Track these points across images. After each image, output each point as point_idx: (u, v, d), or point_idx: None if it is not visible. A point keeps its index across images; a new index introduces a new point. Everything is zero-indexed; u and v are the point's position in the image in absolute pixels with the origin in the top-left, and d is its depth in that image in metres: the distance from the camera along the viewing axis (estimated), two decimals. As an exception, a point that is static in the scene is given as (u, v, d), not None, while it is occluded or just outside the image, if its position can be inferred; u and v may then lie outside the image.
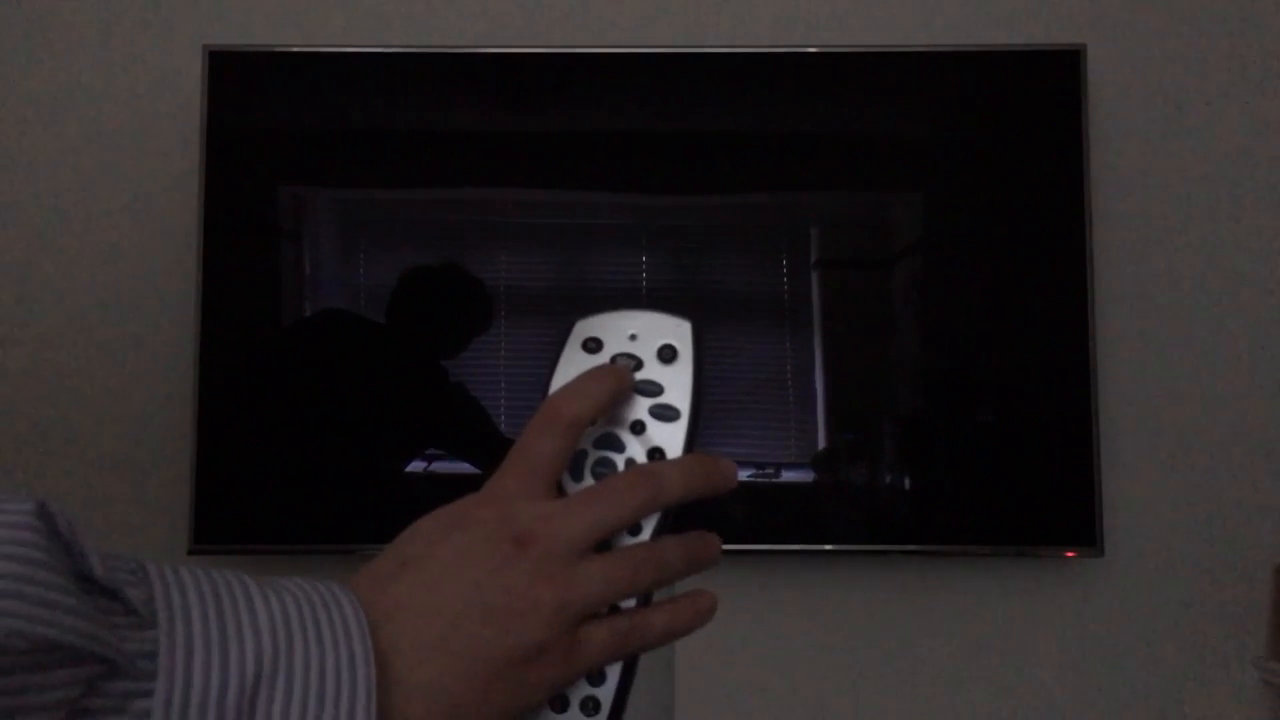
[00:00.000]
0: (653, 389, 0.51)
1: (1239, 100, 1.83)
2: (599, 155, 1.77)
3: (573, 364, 0.53)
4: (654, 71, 1.76)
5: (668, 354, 0.51)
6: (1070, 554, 1.70)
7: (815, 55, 1.76)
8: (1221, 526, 1.78)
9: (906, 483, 1.73)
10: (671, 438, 0.50)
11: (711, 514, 1.72)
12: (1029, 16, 1.84)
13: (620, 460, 0.51)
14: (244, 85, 1.74)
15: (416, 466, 1.72)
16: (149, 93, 1.84)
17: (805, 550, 1.72)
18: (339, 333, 1.75)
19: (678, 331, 0.52)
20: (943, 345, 1.75)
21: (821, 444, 1.73)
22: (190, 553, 1.67)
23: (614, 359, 0.53)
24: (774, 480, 1.72)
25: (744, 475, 1.71)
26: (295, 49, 1.76)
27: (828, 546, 1.70)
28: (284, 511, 1.70)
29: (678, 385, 0.51)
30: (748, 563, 1.78)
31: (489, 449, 1.71)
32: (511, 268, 1.76)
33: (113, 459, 1.79)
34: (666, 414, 0.51)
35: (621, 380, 0.51)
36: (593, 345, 0.53)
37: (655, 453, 0.51)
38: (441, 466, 1.72)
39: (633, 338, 0.52)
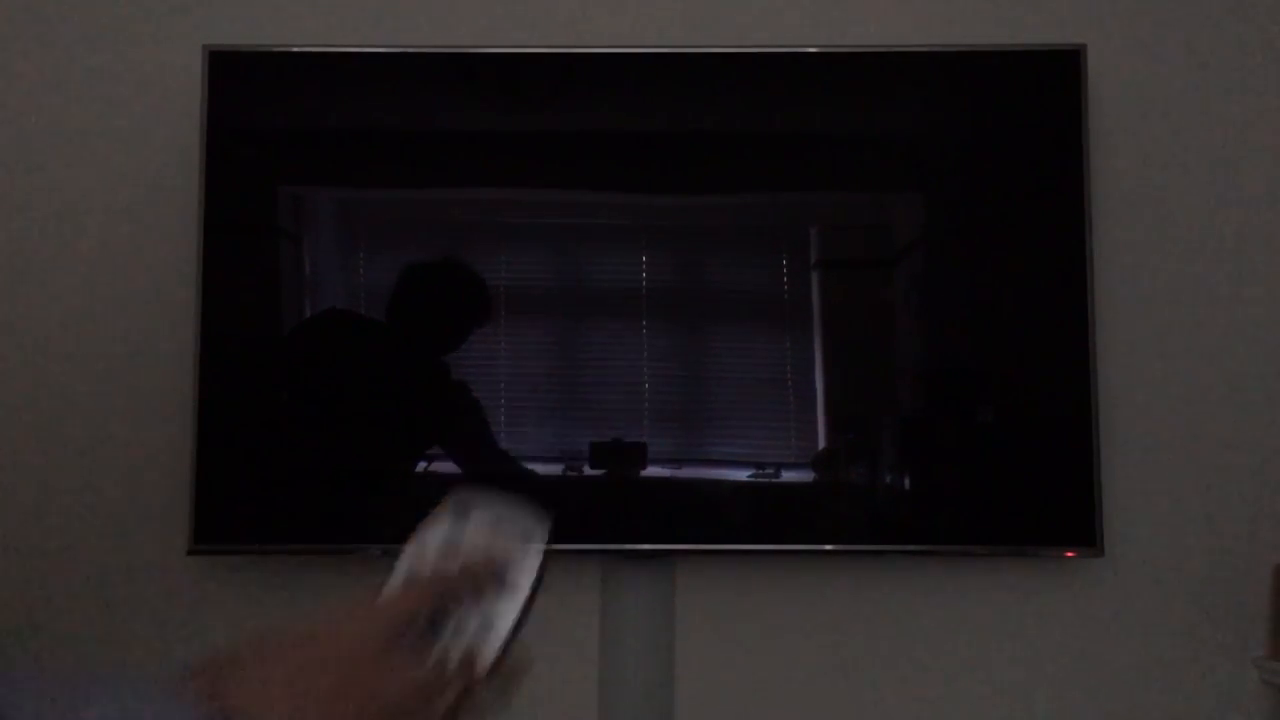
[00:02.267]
0: (488, 597, 0.61)
1: (1239, 100, 1.83)
2: (599, 155, 1.77)
3: (437, 535, 0.64)
4: (654, 71, 1.75)
5: (506, 580, 0.62)
6: (1070, 554, 1.70)
7: (815, 55, 1.75)
8: (1221, 526, 1.78)
9: (906, 483, 1.73)
10: (490, 644, 0.61)
11: (713, 514, 1.72)
12: (1029, 16, 1.84)
13: (449, 646, 0.60)
14: (244, 85, 1.74)
15: (417, 466, 1.72)
16: (149, 93, 1.84)
17: (805, 550, 1.72)
18: (340, 332, 1.75)
19: (524, 562, 0.62)
20: (943, 345, 1.75)
21: (821, 444, 1.73)
22: (190, 552, 1.68)
23: (462, 565, 0.63)
24: (774, 480, 1.71)
25: (744, 475, 1.72)
26: (295, 49, 1.76)
27: (828, 546, 1.70)
28: (284, 511, 1.70)
29: (510, 606, 0.62)
30: (748, 563, 1.78)
31: (481, 452, 1.71)
32: (511, 268, 1.76)
33: (113, 459, 1.79)
34: (493, 623, 0.61)
35: (449, 591, 0.60)
36: (455, 531, 0.64)
37: (474, 650, 0.60)
38: (442, 466, 1.72)
39: (473, 552, 0.62)
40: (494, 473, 1.71)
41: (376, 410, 1.73)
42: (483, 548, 0.62)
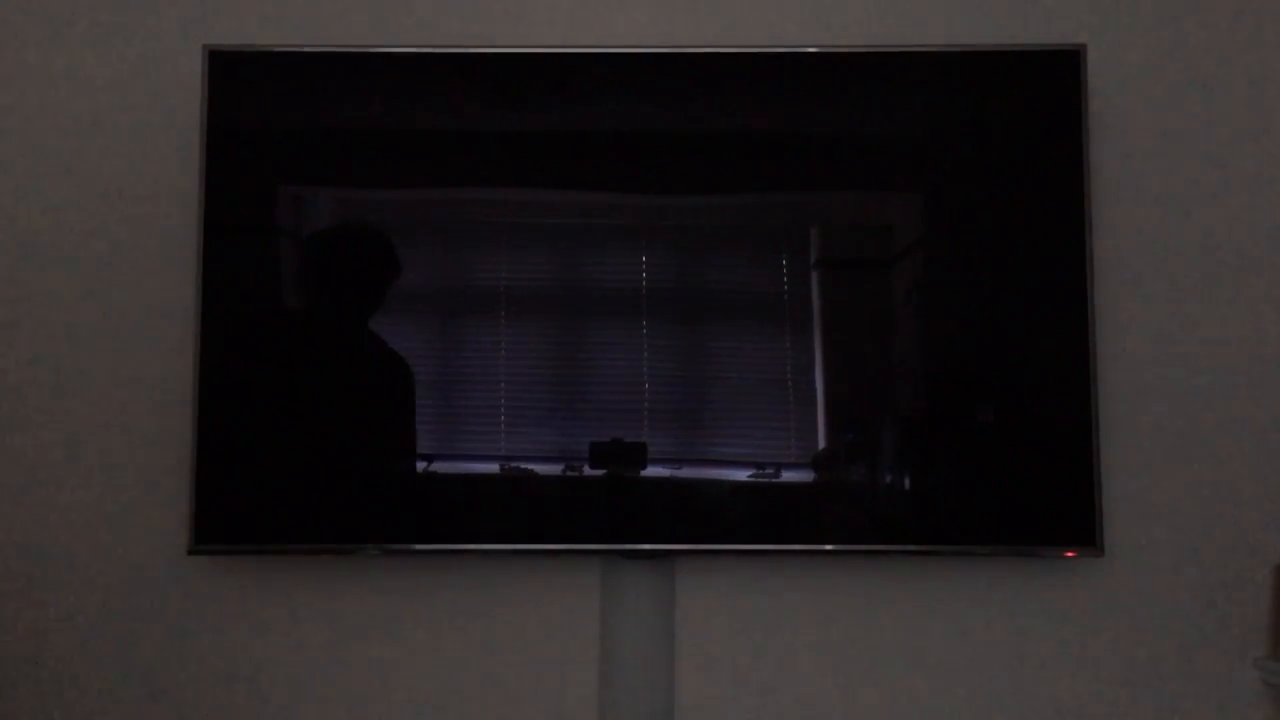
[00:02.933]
0: None
1: (1238, 100, 1.83)
2: (599, 155, 1.77)
3: None
4: (654, 71, 1.76)
5: None
6: (1070, 554, 1.70)
7: (815, 55, 1.76)
8: (1221, 526, 1.78)
9: (906, 483, 1.73)
10: None
11: (713, 514, 1.72)
12: (1029, 16, 1.85)
13: None
14: (244, 85, 1.74)
15: (417, 466, 1.72)
16: (149, 93, 1.84)
17: (805, 550, 1.72)
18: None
19: None
20: (943, 345, 1.75)
21: (821, 444, 1.73)
22: (190, 552, 1.68)
23: None
24: (774, 480, 1.72)
25: (744, 475, 1.72)
26: (295, 49, 1.76)
27: (828, 546, 1.70)
28: (284, 511, 1.70)
29: None
30: (748, 563, 1.78)
31: (398, 441, 1.72)
32: (511, 268, 1.76)
33: (113, 459, 1.79)
34: None
35: None
36: None
37: None
38: (441, 467, 1.72)
39: None
40: (498, 474, 1.71)
41: (351, 404, 1.73)
42: None
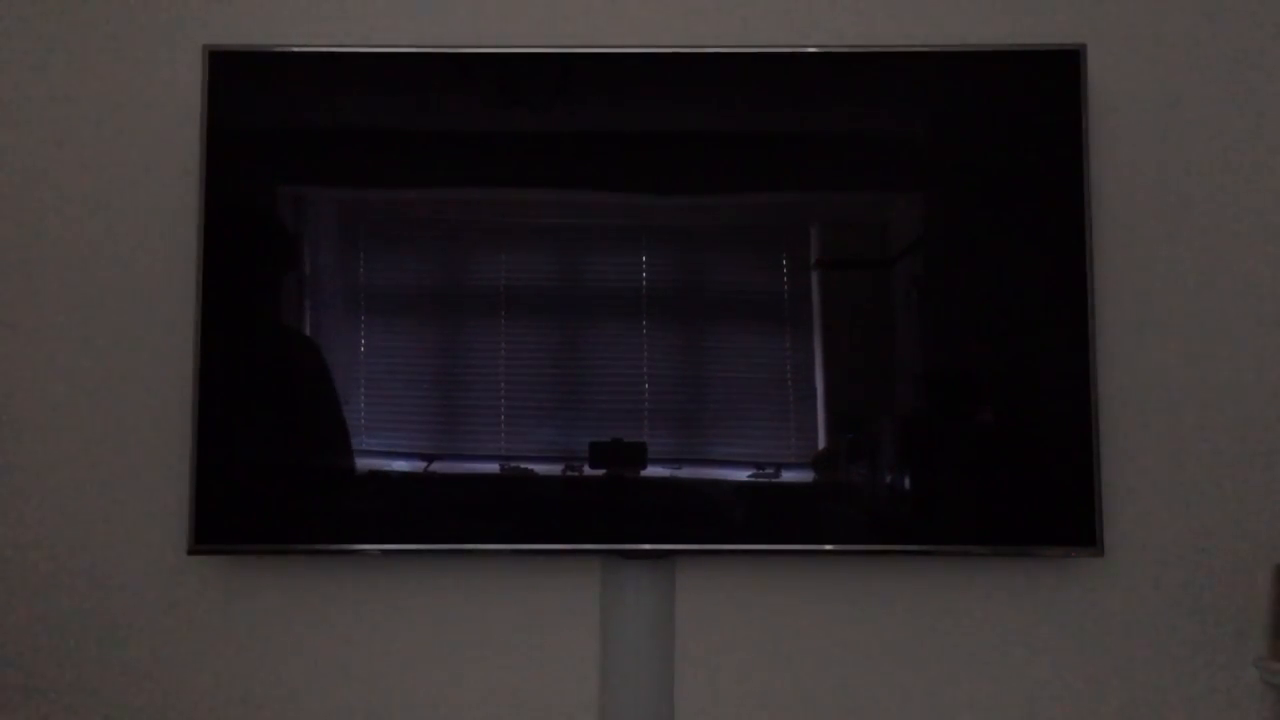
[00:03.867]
0: None
1: (1238, 100, 1.83)
2: (599, 155, 1.77)
3: None
4: (654, 71, 1.76)
5: None
6: (1070, 554, 1.70)
7: (815, 55, 1.76)
8: (1221, 526, 1.78)
9: (906, 483, 1.73)
10: None
11: (713, 514, 1.72)
12: (1029, 16, 1.85)
13: None
14: (244, 85, 1.74)
15: (417, 467, 1.72)
16: (149, 93, 1.84)
17: (805, 550, 1.72)
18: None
19: None
20: (943, 345, 1.75)
21: (821, 444, 1.73)
22: (190, 552, 1.68)
23: None
24: (774, 480, 1.72)
25: (744, 475, 1.72)
26: (295, 49, 1.76)
27: (828, 546, 1.70)
28: (284, 511, 1.70)
29: None
30: (748, 563, 1.78)
31: (328, 424, 1.73)
32: (511, 268, 1.76)
33: (113, 459, 1.79)
34: None
35: None
36: None
37: None
38: (441, 466, 1.72)
39: None
40: (500, 474, 1.71)
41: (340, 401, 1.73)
42: None
